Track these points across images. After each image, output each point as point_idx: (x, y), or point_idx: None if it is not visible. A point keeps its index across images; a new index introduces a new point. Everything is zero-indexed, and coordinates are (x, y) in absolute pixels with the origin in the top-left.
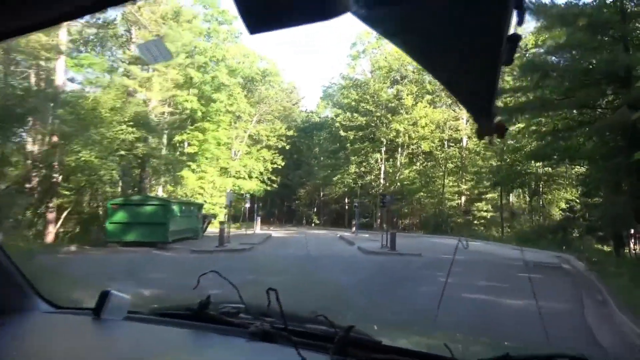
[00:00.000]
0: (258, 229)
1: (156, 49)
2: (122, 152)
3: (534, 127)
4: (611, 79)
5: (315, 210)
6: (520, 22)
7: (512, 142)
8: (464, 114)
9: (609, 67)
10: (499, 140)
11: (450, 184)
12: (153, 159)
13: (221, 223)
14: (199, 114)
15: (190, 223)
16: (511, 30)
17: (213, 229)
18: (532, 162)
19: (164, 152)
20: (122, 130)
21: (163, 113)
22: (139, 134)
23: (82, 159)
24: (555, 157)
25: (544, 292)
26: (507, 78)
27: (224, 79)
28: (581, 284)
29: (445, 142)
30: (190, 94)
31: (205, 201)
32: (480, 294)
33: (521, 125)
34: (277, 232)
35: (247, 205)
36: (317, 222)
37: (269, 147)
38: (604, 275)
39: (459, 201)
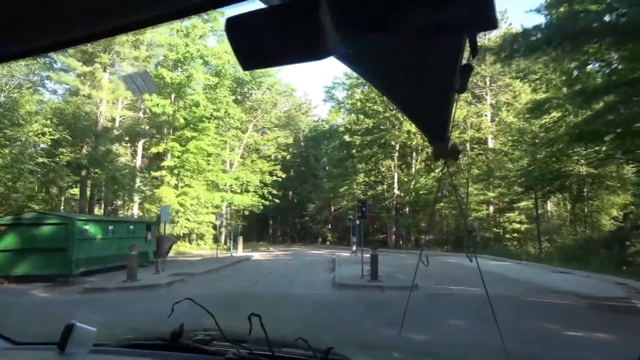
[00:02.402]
0: (240, 250)
1: (141, 81)
2: (42, 160)
3: (575, 73)
4: None
5: (329, 226)
6: (474, 54)
7: (544, 134)
8: (487, 109)
9: None
10: (453, 163)
11: (476, 192)
12: (95, 170)
13: (131, 248)
14: (181, 120)
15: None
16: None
17: (200, 250)
18: (574, 159)
19: (138, 164)
20: (31, 131)
21: (127, 118)
22: (60, 136)
23: None
24: (610, 135)
25: None
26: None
27: (201, 77)
28: None
29: (467, 144)
30: (170, 98)
31: (187, 219)
32: None
33: (556, 115)
34: (263, 254)
35: (217, 222)
36: (332, 239)
37: (275, 159)
38: None
39: (487, 211)
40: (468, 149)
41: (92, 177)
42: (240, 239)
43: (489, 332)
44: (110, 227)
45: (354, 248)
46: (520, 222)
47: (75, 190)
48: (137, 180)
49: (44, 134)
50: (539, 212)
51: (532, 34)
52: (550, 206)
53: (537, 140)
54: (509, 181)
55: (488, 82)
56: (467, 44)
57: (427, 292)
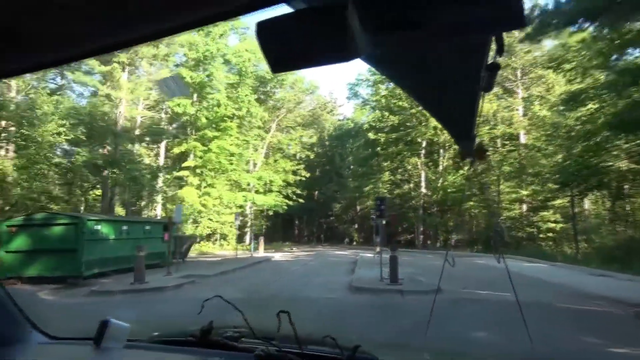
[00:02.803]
0: (262, 251)
1: (173, 84)
2: (59, 160)
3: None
4: None
5: (355, 226)
6: (500, 52)
7: (580, 126)
8: (518, 103)
9: None
10: (480, 162)
11: (507, 190)
12: (113, 170)
13: (138, 249)
14: (203, 120)
15: (152, 247)
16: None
17: (223, 251)
18: (613, 153)
19: (160, 164)
20: (46, 131)
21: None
22: (74, 136)
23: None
24: None
25: None
26: None
27: (221, 76)
28: None
29: (498, 140)
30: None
31: (210, 219)
32: None
33: (593, 106)
34: (284, 255)
35: (237, 222)
36: (358, 239)
37: (299, 159)
38: None
39: (520, 210)
40: (499, 145)
41: (111, 178)
42: (261, 240)
43: (518, 344)
44: (124, 227)
45: (378, 249)
46: (555, 222)
47: (100, 192)
48: (160, 180)
49: (59, 134)
50: (576, 210)
51: (565, 5)
52: (587, 204)
53: (572, 134)
54: (543, 178)
55: (519, 75)
56: (494, 41)
57: (452, 296)
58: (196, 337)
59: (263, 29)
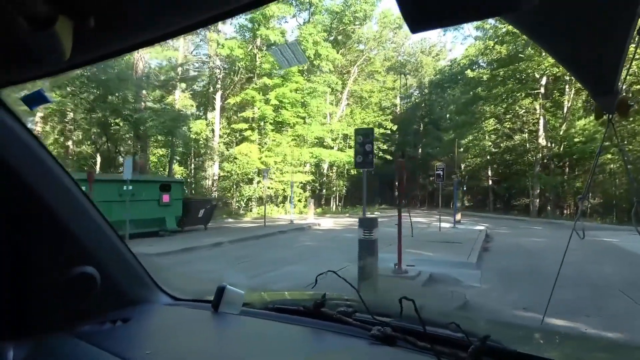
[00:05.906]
0: (311, 216)
1: (290, 52)
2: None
3: None
4: None
5: (464, 188)
6: None
7: None
8: None
9: None
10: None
11: None
12: (115, 120)
13: None
14: (266, 66)
15: (137, 213)
16: None
17: (284, 215)
18: None
19: (216, 118)
20: None
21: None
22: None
23: None
24: None
25: None
26: None
27: (274, 10)
28: None
29: None
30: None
31: (270, 179)
32: None
33: None
34: (340, 222)
35: (265, 182)
36: (467, 204)
37: (385, 110)
38: None
39: None
40: None
41: (114, 130)
42: (311, 203)
43: None
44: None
45: (458, 217)
46: None
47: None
48: (216, 138)
49: None
50: None
51: None
52: None
53: None
54: None
55: None
56: None
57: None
58: (309, 309)
59: None
